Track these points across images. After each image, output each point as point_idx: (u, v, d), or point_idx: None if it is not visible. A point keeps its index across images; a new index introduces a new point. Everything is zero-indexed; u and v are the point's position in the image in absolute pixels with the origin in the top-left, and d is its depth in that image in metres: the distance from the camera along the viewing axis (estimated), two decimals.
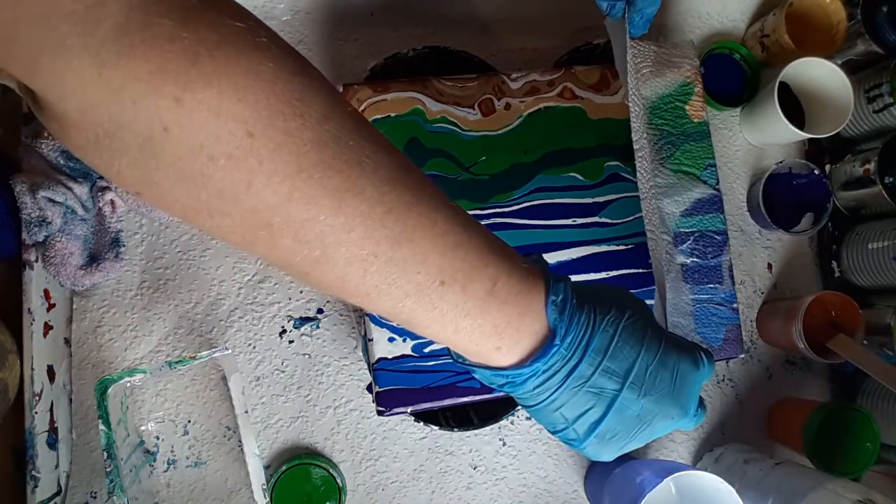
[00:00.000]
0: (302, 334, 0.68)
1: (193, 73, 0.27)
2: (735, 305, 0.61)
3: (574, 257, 0.60)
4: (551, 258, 0.59)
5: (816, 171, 0.73)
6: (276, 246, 0.31)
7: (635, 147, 0.56)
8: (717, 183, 0.62)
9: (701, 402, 0.42)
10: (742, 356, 0.62)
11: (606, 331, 0.37)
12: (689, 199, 0.61)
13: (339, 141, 0.30)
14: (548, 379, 0.37)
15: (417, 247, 0.33)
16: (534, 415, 0.40)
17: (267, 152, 0.28)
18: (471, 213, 0.58)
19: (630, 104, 0.57)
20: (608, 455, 0.41)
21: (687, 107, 0.62)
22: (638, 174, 0.56)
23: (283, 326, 0.67)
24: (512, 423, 0.69)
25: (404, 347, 0.57)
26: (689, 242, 0.60)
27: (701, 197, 0.61)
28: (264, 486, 0.58)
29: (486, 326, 0.35)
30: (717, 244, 0.61)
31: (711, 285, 0.60)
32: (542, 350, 0.36)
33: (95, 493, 0.64)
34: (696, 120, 0.62)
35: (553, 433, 0.40)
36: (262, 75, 0.28)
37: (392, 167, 0.32)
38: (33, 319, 0.61)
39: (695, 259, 0.60)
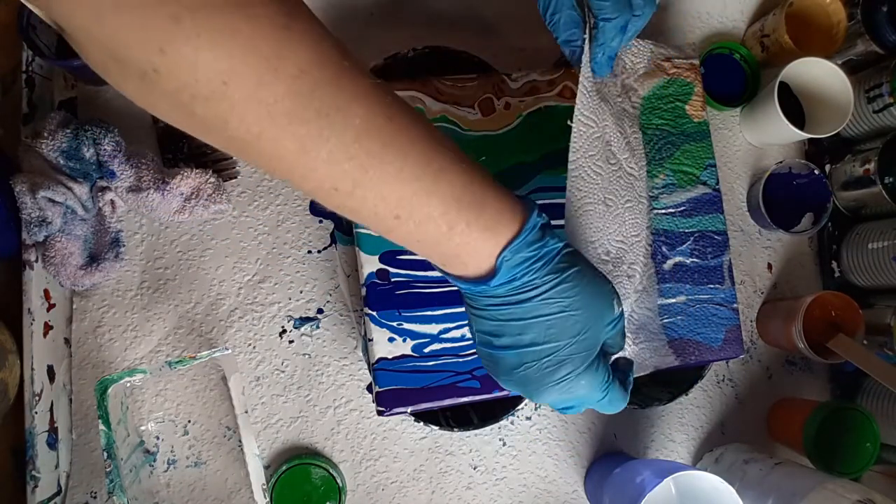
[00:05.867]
0: (302, 334, 0.68)
1: (176, 30, 0.31)
2: (735, 305, 0.61)
3: None
4: None
5: (816, 171, 0.73)
6: (254, 163, 0.37)
7: (576, 175, 0.53)
8: (717, 183, 0.62)
9: (625, 382, 0.46)
10: (742, 356, 0.62)
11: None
12: (688, 199, 0.61)
13: (312, 94, 0.34)
14: (528, 247, 0.40)
15: (370, 191, 0.37)
16: (506, 330, 0.42)
17: (239, 98, 0.33)
18: None
19: (574, 126, 0.53)
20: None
21: (687, 107, 0.62)
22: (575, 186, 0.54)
23: (283, 326, 0.67)
24: (512, 423, 0.69)
25: (404, 347, 0.57)
26: (689, 243, 0.60)
27: (700, 197, 0.61)
28: (264, 486, 0.58)
29: (478, 219, 0.39)
30: (717, 244, 0.61)
31: (711, 285, 0.60)
32: (522, 227, 0.40)
33: (95, 493, 0.64)
34: (696, 120, 0.62)
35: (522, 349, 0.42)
36: (238, 33, 0.32)
37: (366, 118, 0.36)
38: (33, 319, 0.61)
39: (695, 259, 0.60)
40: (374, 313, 0.57)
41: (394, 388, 0.56)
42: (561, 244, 0.42)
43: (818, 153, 0.76)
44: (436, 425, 0.61)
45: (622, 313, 0.45)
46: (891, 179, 0.69)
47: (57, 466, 0.62)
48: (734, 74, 0.75)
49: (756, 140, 0.75)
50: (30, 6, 0.32)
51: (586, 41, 0.51)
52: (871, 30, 0.71)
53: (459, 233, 0.39)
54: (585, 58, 0.51)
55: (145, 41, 0.31)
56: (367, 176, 0.36)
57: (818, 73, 0.70)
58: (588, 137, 0.53)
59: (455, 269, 0.41)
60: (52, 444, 0.61)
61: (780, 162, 0.72)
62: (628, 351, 0.57)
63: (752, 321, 0.74)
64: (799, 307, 0.67)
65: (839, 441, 0.66)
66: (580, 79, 0.52)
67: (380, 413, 0.56)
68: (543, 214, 0.42)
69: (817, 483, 0.59)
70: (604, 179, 0.54)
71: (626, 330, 0.55)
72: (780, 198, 0.73)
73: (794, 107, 0.75)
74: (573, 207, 0.52)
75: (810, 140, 0.76)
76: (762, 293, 0.75)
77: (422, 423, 0.61)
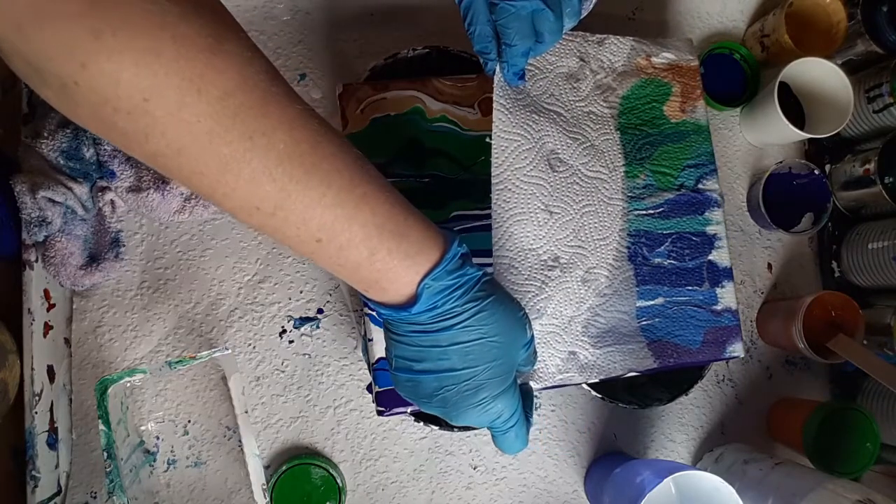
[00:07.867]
0: (302, 334, 0.68)
1: (96, 46, 0.31)
2: (715, 307, 0.60)
3: None
4: None
5: (816, 171, 0.73)
6: (178, 179, 0.37)
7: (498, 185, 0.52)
8: (697, 184, 0.61)
9: (529, 417, 0.47)
10: (733, 357, 0.61)
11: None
12: (666, 201, 0.60)
13: (236, 117, 0.34)
14: (450, 273, 0.41)
15: (292, 214, 0.37)
16: (427, 355, 0.43)
17: (161, 115, 0.33)
18: (471, 213, 0.59)
19: (493, 142, 0.52)
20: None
21: (664, 107, 0.61)
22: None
23: (283, 326, 0.67)
24: None
25: None
26: (666, 244, 0.59)
27: (678, 199, 0.60)
28: (264, 486, 0.58)
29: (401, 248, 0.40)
30: (695, 246, 0.60)
31: (690, 287, 0.59)
32: (441, 259, 0.41)
33: (95, 493, 0.64)
34: (674, 121, 0.61)
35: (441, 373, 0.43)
36: (162, 54, 0.32)
37: (290, 143, 0.36)
38: (33, 319, 0.61)
39: (672, 261, 0.59)
40: (374, 313, 0.57)
41: (394, 388, 0.56)
42: (479, 273, 0.43)
43: (818, 153, 0.76)
44: (436, 425, 0.61)
45: (533, 336, 0.47)
46: (891, 179, 0.69)
47: (57, 466, 0.61)
48: (734, 74, 0.75)
49: (756, 140, 0.75)
50: None
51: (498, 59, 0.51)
52: (871, 30, 0.71)
53: (380, 259, 0.40)
54: (498, 76, 0.51)
55: (66, 55, 0.31)
56: (290, 199, 0.37)
57: (818, 73, 0.70)
58: (513, 151, 0.53)
59: (376, 295, 0.42)
60: (52, 444, 0.61)
61: (780, 162, 0.72)
62: (588, 355, 0.55)
63: (752, 321, 0.74)
64: (799, 307, 0.67)
65: (839, 441, 0.66)
66: (494, 96, 0.52)
67: (380, 413, 0.56)
68: (464, 245, 0.43)
69: (817, 483, 0.59)
70: (546, 188, 0.54)
71: (587, 333, 0.55)
72: (780, 198, 0.73)
73: (794, 107, 0.75)
74: (501, 219, 0.52)
75: (810, 140, 0.76)
76: (762, 293, 0.75)
77: (422, 423, 0.61)
